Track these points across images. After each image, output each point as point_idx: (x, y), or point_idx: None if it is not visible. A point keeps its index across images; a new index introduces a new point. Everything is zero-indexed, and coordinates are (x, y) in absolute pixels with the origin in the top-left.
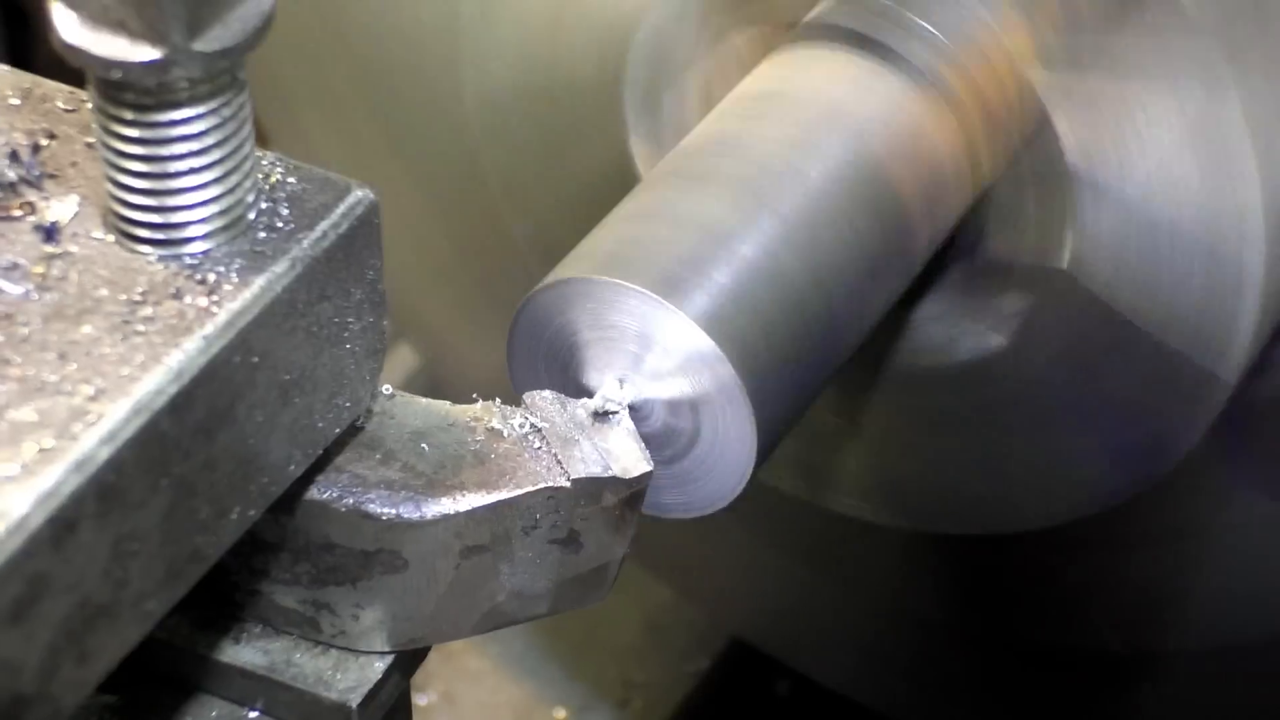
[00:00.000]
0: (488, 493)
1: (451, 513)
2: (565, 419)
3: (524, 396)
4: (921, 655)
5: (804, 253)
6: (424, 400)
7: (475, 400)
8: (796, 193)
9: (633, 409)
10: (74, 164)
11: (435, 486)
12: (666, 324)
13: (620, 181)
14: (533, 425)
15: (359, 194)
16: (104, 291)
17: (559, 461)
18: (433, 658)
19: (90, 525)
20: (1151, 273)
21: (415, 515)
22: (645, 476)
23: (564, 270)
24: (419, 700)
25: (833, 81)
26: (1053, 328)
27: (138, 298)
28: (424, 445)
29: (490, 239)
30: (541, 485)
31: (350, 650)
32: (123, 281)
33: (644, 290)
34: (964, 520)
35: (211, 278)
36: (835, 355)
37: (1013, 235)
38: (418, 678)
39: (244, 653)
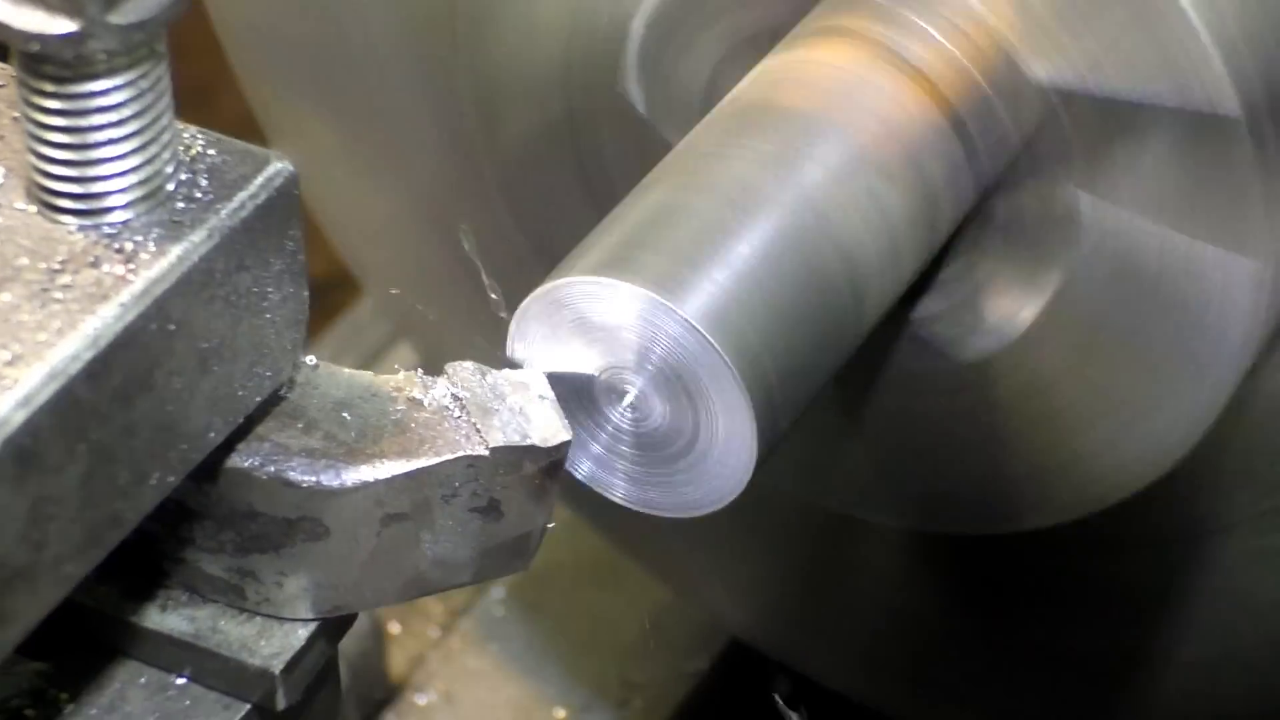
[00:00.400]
0: (407, 460)
1: (371, 480)
2: (486, 389)
3: (445, 367)
4: (921, 655)
5: (803, 251)
6: (347, 371)
7: (398, 371)
8: (794, 192)
9: (633, 409)
10: (1, 137)
11: (355, 455)
12: (666, 324)
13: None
14: (453, 395)
15: (278, 166)
16: (24, 260)
17: (478, 430)
18: (433, 657)
19: (6, 489)
20: (1152, 270)
21: (336, 483)
22: (564, 446)
23: (564, 271)
24: (419, 700)
25: (832, 81)
26: (1053, 327)
27: (57, 266)
28: (346, 415)
29: (491, 240)
30: (460, 454)
31: (275, 618)
32: (43, 250)
33: (643, 290)
34: (964, 520)
35: (129, 247)
36: (835, 354)
37: (1013, 234)
38: (418, 678)
39: (170, 620)
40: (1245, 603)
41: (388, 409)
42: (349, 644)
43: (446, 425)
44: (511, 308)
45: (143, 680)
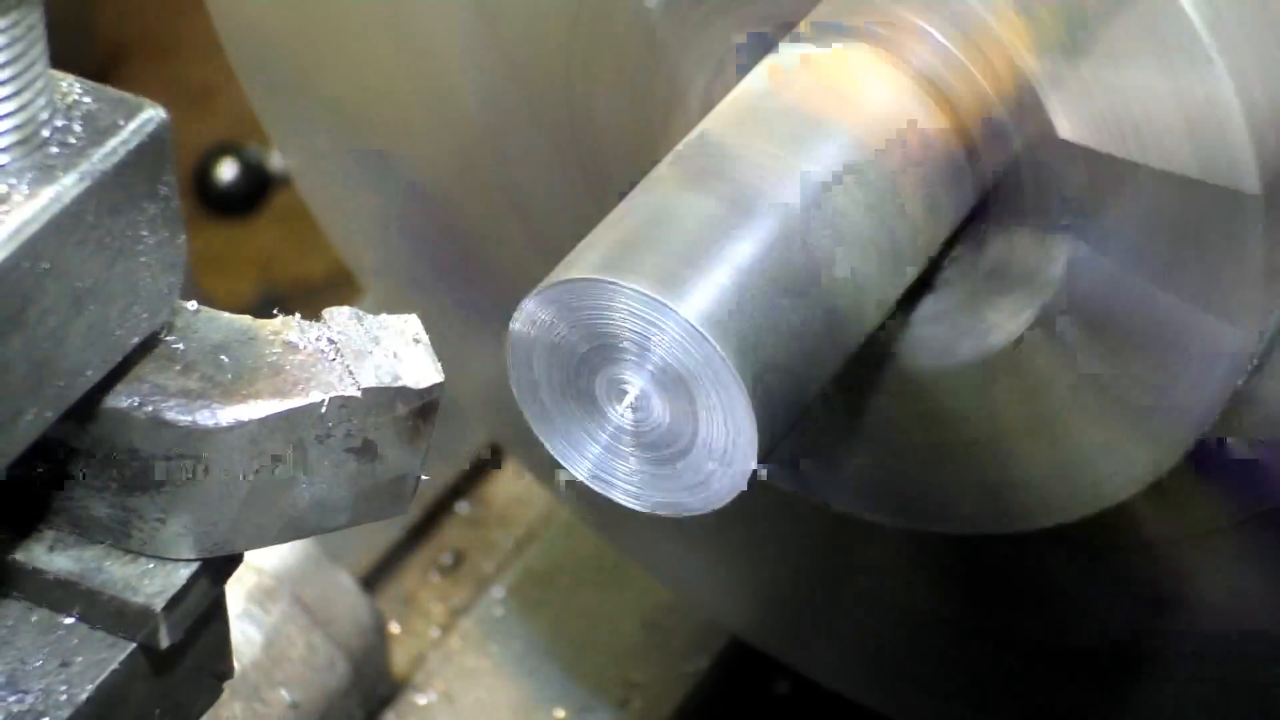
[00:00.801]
0: (281, 400)
1: (246, 420)
2: (361, 333)
3: (324, 312)
4: (921, 655)
5: (804, 252)
6: (227, 315)
7: (275, 315)
8: (795, 191)
9: (633, 408)
10: None
11: (231, 395)
12: (666, 324)
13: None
14: (329, 339)
15: (150, 113)
16: None
17: (351, 372)
18: (432, 657)
19: None
20: (1151, 269)
21: (211, 422)
22: (436, 388)
23: (563, 271)
24: (418, 700)
25: (831, 80)
26: (1053, 325)
27: None
28: (224, 357)
29: (490, 241)
30: (333, 394)
31: (159, 558)
32: None
33: (644, 290)
34: (964, 520)
35: (3, 189)
36: (835, 354)
37: (1013, 233)
38: (418, 678)
39: (57, 560)
40: (1245, 603)
41: (264, 352)
42: (352, 640)
43: (321, 368)
44: (511, 307)
45: (33, 619)
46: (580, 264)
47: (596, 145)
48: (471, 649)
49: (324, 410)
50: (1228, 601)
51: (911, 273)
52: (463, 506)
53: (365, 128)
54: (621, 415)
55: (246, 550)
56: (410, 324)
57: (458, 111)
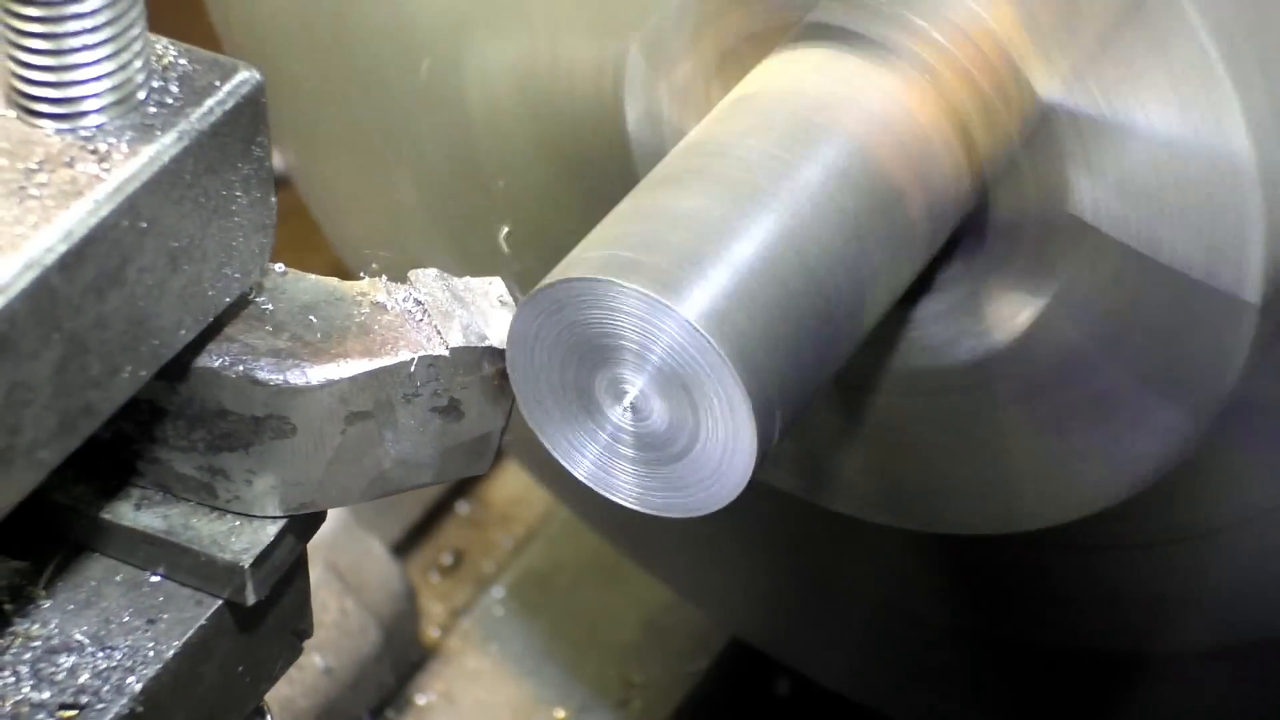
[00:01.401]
0: (370, 360)
1: (335, 378)
2: (448, 295)
3: (409, 274)
4: (921, 655)
5: (803, 252)
6: (314, 276)
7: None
8: (795, 192)
9: (633, 409)
10: None
11: (321, 354)
12: (666, 324)
13: (621, 183)
14: (416, 300)
15: (245, 74)
16: (2, 161)
17: (439, 332)
18: (432, 657)
19: None
20: (1151, 269)
21: (301, 381)
22: None
23: (563, 271)
24: (419, 700)
25: (829, 80)
26: (1053, 326)
27: (34, 166)
28: (312, 317)
29: (490, 241)
30: (421, 353)
31: (245, 515)
32: (20, 152)
33: (643, 290)
34: (964, 520)
35: (103, 148)
36: (836, 354)
37: (1012, 233)
38: (418, 677)
39: (145, 518)
40: (1245, 603)
41: (352, 312)
42: (384, 606)
43: (408, 327)
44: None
45: (118, 578)
46: (580, 264)
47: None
48: (471, 649)
49: (412, 369)
50: (1227, 602)
51: (912, 273)
52: (463, 506)
53: (365, 128)
54: (621, 415)
55: (332, 508)
56: (495, 286)
57: (458, 110)
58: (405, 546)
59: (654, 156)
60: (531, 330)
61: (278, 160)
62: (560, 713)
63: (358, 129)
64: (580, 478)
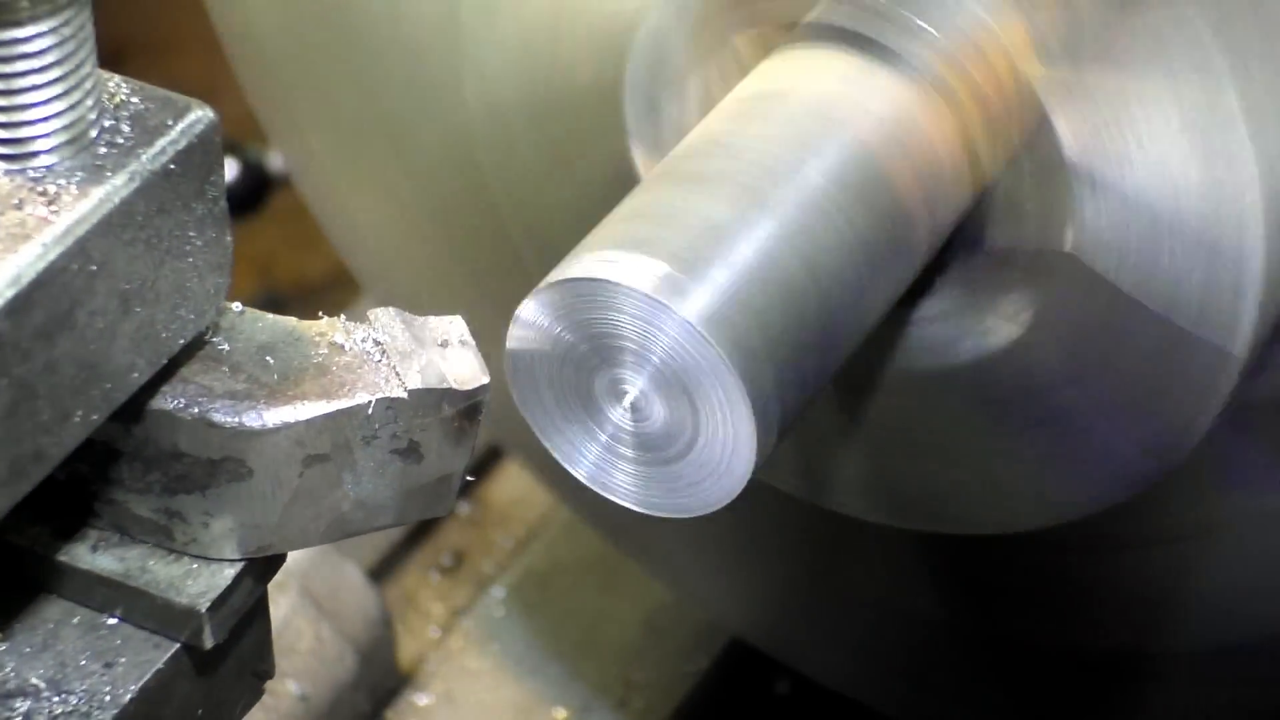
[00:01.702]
0: (328, 402)
1: (292, 420)
2: (407, 335)
3: (369, 313)
4: (921, 655)
5: (803, 252)
6: (272, 316)
7: (320, 317)
8: (795, 192)
9: (633, 410)
10: None
11: (277, 396)
12: (666, 325)
13: (620, 183)
14: (375, 340)
15: (199, 113)
16: None
17: (398, 374)
18: (432, 657)
19: None
20: (1151, 270)
21: (258, 423)
22: (482, 389)
23: (563, 270)
24: (418, 700)
25: (831, 81)
26: (1053, 327)
27: None
28: (269, 358)
29: (490, 241)
30: (379, 395)
31: (203, 558)
32: None
33: (643, 291)
34: (964, 520)
35: (53, 189)
36: (835, 354)
37: (1013, 234)
38: (418, 678)
39: (101, 560)
40: (1245, 603)
41: (310, 353)
42: (360, 633)
43: (367, 368)
44: (511, 308)
45: (75, 620)
46: (580, 264)
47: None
48: (471, 649)
49: (370, 411)
50: (1227, 602)
51: (911, 273)
52: (463, 506)
53: (365, 128)
54: (621, 416)
55: (291, 550)
56: (455, 325)
57: (458, 110)
58: (405, 547)
59: (653, 156)
60: (531, 330)
61: (278, 160)
62: (560, 713)
63: (358, 129)
64: (580, 478)
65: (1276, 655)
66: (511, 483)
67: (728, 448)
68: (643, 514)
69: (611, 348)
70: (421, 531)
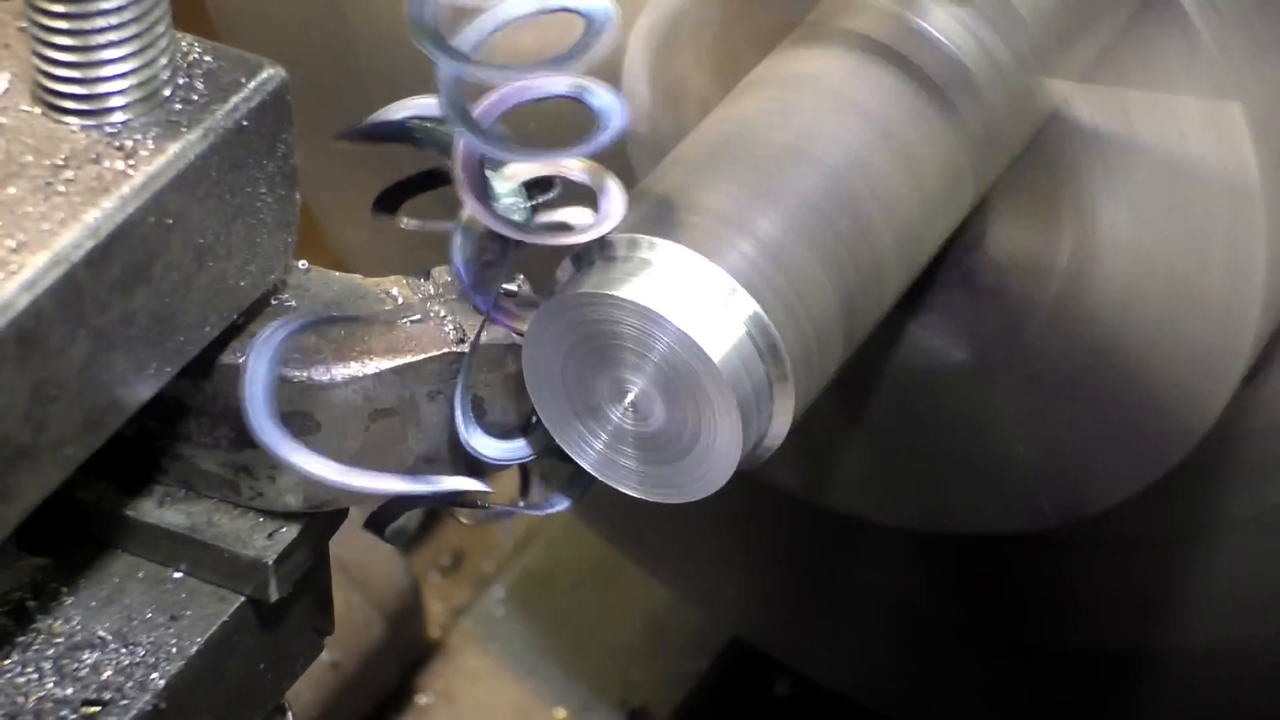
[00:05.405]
0: (394, 357)
1: (359, 375)
2: None
3: (432, 271)
4: (921, 655)
5: (803, 253)
6: (338, 274)
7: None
8: (795, 194)
9: (635, 410)
10: (6, 45)
11: (344, 351)
12: (666, 327)
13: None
14: (440, 297)
15: (270, 71)
16: (29, 158)
17: (463, 329)
18: (432, 657)
19: (10, 369)
20: (1150, 272)
21: (325, 378)
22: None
23: (572, 285)
24: (418, 700)
25: (831, 82)
26: (1053, 328)
27: (60, 162)
28: (336, 314)
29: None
30: (445, 350)
31: (268, 512)
32: (47, 149)
33: (643, 297)
34: (963, 520)
35: (129, 144)
36: (836, 355)
37: (1013, 236)
38: (418, 677)
39: (167, 515)
40: (1245, 603)
41: (376, 309)
42: (389, 601)
43: (432, 324)
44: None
45: (140, 574)
46: (583, 267)
47: None
48: (471, 649)
49: (436, 367)
50: (1227, 602)
51: (910, 274)
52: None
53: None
54: (623, 415)
55: (355, 505)
56: (519, 283)
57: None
58: (406, 547)
59: (652, 156)
60: (536, 330)
61: None
62: (560, 712)
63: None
64: (586, 468)
65: (1276, 655)
66: (511, 483)
67: (728, 449)
68: (642, 515)
69: (613, 347)
70: (421, 531)
